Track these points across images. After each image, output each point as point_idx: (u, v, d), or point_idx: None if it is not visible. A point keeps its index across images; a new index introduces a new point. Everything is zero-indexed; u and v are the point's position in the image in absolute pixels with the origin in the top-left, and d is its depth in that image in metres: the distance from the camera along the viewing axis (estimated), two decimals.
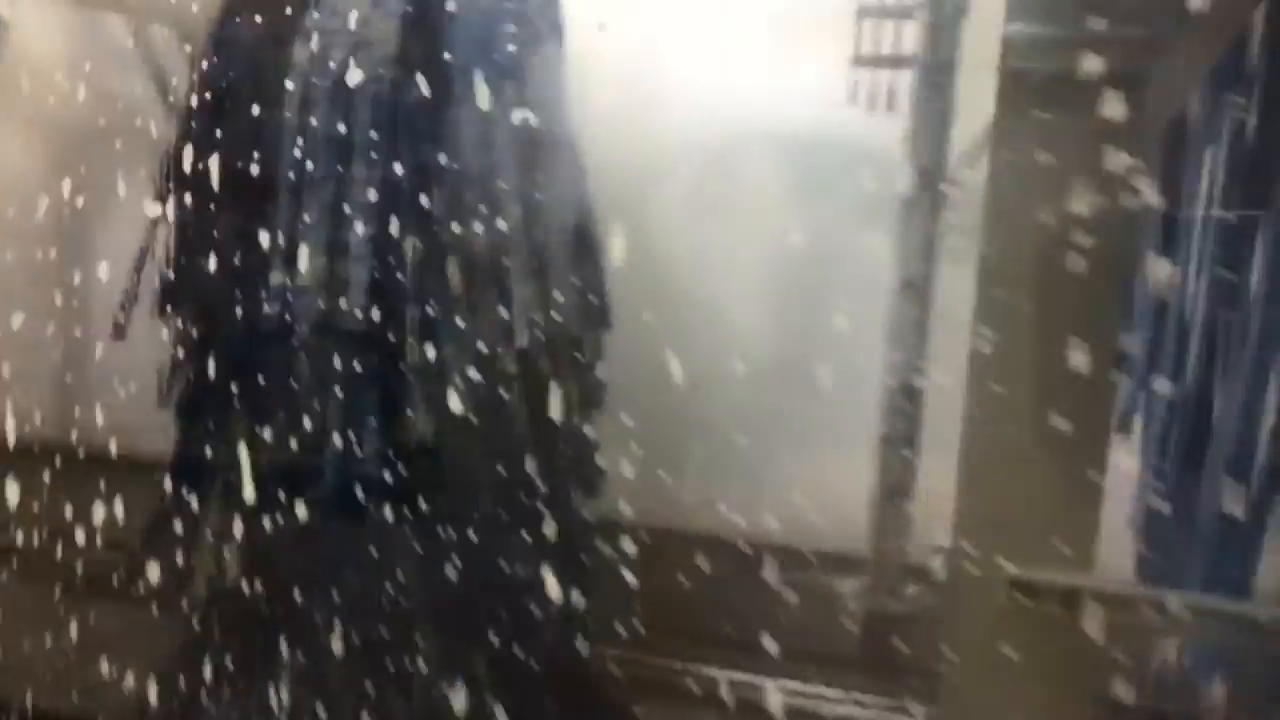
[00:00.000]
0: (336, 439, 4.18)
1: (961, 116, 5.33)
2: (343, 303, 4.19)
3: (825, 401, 5.54)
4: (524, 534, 4.39)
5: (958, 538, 2.59)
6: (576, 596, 4.48)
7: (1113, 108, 2.37)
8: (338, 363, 4.20)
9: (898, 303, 5.42)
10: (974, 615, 2.61)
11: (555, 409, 4.37)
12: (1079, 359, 2.49)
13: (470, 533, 4.29)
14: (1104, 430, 2.61)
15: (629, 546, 4.53)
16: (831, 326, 5.57)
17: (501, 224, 4.28)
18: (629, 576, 4.48)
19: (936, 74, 5.39)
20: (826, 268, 5.91)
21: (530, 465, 4.39)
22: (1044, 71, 2.44)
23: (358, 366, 4.20)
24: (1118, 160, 2.40)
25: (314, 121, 4.24)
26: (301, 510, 4.17)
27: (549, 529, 4.40)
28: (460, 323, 4.23)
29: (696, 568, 5.17)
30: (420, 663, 4.33)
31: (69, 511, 4.69)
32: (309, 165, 4.24)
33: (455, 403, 4.17)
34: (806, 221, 6.00)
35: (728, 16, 5.92)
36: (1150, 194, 2.46)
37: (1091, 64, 2.39)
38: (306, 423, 4.21)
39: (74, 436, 5.73)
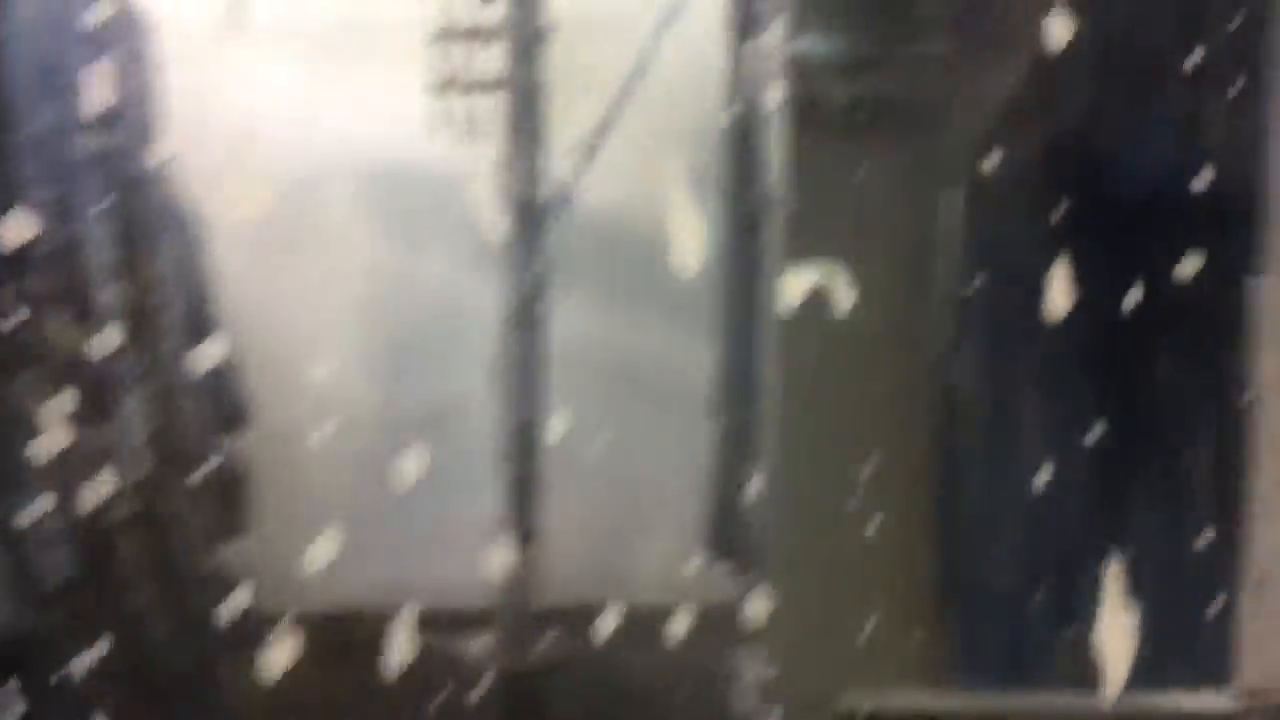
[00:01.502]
0: None
1: (556, 142, 5.15)
2: None
3: (438, 449, 5.19)
4: None
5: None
6: None
7: (909, 132, 2.20)
8: None
9: (507, 340, 5.16)
10: None
11: None
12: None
13: None
14: None
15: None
16: (436, 370, 5.25)
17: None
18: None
19: (526, 98, 5.18)
20: (425, 307, 5.57)
21: None
22: (833, 94, 2.24)
23: None
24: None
25: None
26: None
27: None
28: None
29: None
30: None
31: None
32: None
33: None
34: (397, 259, 5.64)
35: (291, 40, 5.47)
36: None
37: (884, 86, 2.21)
38: None
39: None
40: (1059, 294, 3.22)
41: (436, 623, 5.06)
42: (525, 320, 5.16)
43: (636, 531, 5.27)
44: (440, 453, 5.14)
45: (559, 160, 5.17)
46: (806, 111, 2.36)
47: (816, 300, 3.13)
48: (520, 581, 5.08)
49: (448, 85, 5.31)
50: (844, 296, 2.68)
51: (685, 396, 5.01)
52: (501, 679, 5.06)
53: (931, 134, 2.34)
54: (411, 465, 5.27)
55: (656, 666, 4.69)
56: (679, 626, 4.46)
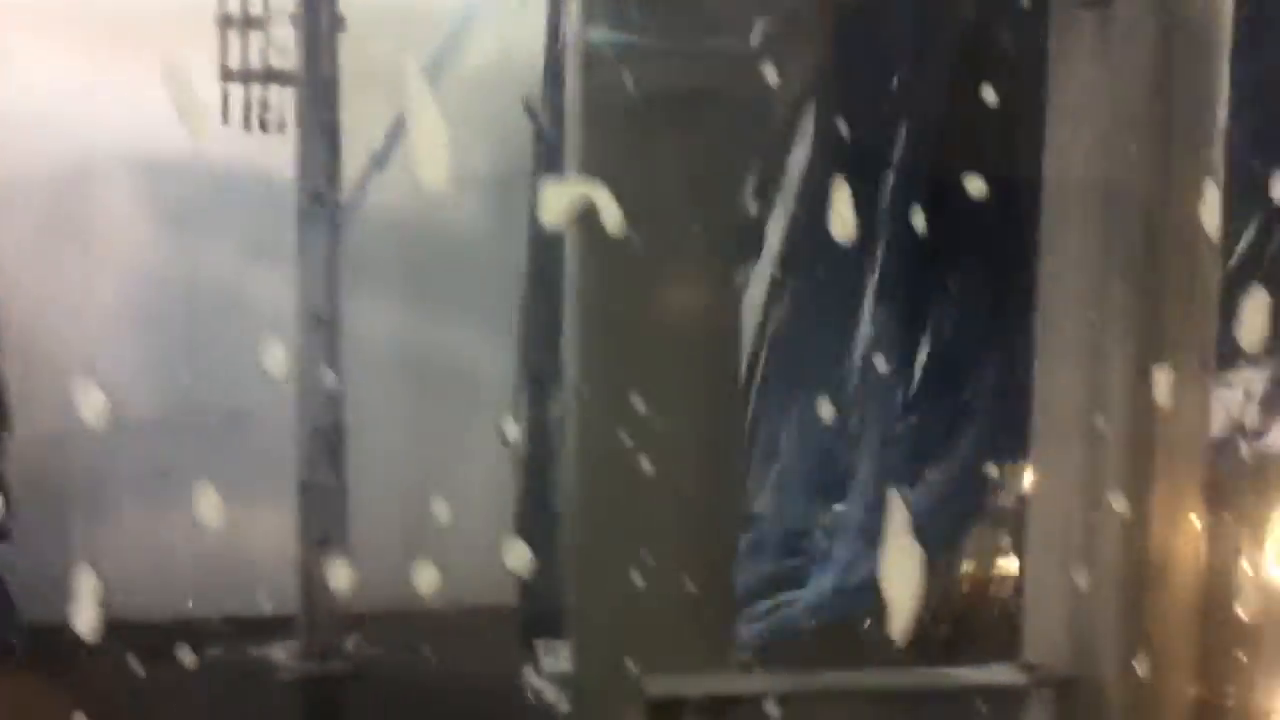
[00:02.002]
0: None
1: (352, 134, 5.01)
2: None
3: (235, 450, 5.00)
4: None
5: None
6: None
7: (712, 123, 2.18)
8: None
9: (304, 336, 5.00)
10: None
11: None
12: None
13: None
14: None
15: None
16: (227, 365, 5.02)
17: None
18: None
19: (318, 90, 5.04)
20: (215, 300, 5.34)
21: None
22: (633, 85, 2.21)
23: None
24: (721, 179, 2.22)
25: None
26: None
27: None
28: None
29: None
30: None
31: None
32: None
33: None
34: (183, 251, 5.41)
35: (72, 28, 5.18)
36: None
37: (687, 78, 2.19)
38: None
39: None
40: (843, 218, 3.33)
41: (234, 629, 4.87)
42: (319, 320, 5.01)
43: (441, 533, 5.17)
44: (230, 457, 4.93)
45: (355, 155, 5.04)
46: (599, 101, 2.33)
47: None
48: (322, 586, 4.93)
49: (236, 75, 5.10)
50: (611, 214, 2.62)
51: (490, 395, 4.93)
52: (303, 684, 4.91)
53: (728, 125, 2.36)
54: (200, 470, 5.02)
55: (461, 666, 4.63)
56: (484, 624, 4.42)
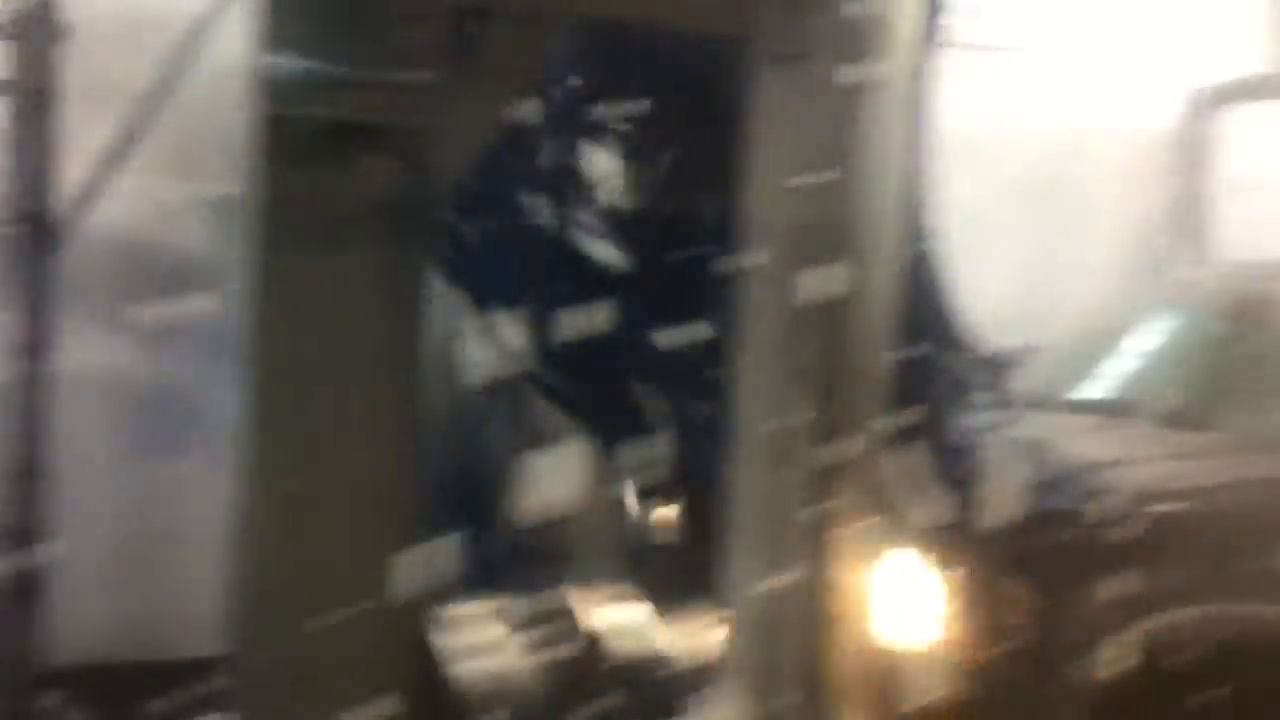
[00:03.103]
0: None
1: (70, 151, 4.69)
2: None
3: None
4: None
5: None
6: None
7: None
8: None
9: (9, 365, 4.64)
10: None
11: None
12: None
13: None
14: None
15: None
16: None
17: None
18: None
19: (34, 101, 4.70)
20: None
21: None
22: (306, 117, 2.02)
23: None
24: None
25: None
26: None
27: None
28: None
29: None
30: None
31: None
32: None
33: None
34: None
35: None
36: None
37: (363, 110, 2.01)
38: None
39: None
40: None
41: None
42: (30, 344, 4.67)
43: (157, 581, 4.85)
44: None
45: (72, 172, 4.71)
46: (278, 129, 2.16)
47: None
48: (20, 639, 4.56)
49: None
50: None
51: (212, 430, 4.64)
52: None
53: (413, 156, 2.22)
54: None
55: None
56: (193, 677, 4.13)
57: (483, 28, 2.48)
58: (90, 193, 4.65)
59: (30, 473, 4.61)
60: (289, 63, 2.17)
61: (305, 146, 2.15)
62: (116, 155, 4.62)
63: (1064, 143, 6.61)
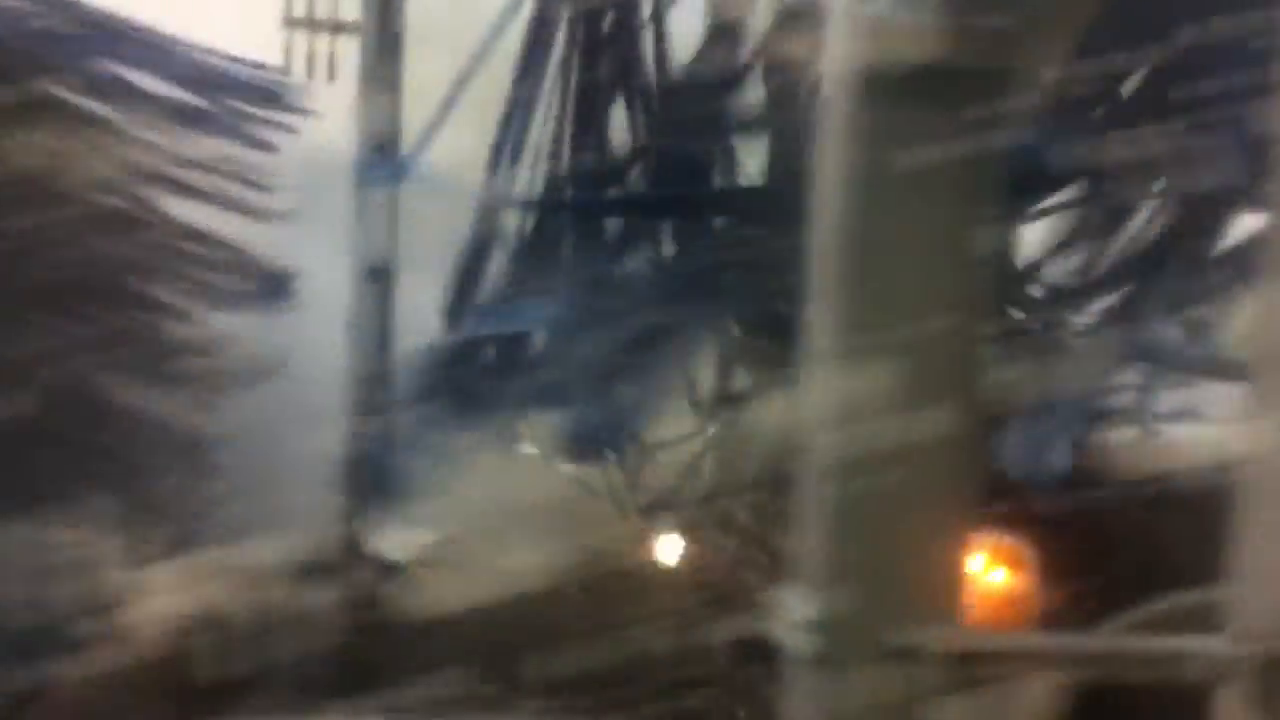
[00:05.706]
0: None
1: (413, 90, 5.00)
2: None
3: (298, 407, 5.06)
4: None
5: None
6: None
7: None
8: None
9: (361, 290, 5.05)
10: None
11: None
12: None
13: None
14: None
15: None
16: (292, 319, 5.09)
17: None
18: None
19: (382, 43, 5.03)
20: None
21: None
22: (901, 61, 2.10)
23: None
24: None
25: None
26: None
27: None
28: None
29: None
30: None
31: None
32: None
33: None
34: None
35: None
36: None
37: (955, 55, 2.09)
38: None
39: None
40: None
41: None
42: (379, 271, 5.04)
43: None
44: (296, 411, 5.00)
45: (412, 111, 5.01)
46: (867, 74, 2.26)
47: None
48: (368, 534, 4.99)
49: (300, 22, 5.10)
50: None
51: None
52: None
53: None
54: None
55: None
56: None
57: None
58: (429, 132, 4.95)
59: (383, 382, 5.04)
60: (881, 6, 2.20)
61: (894, 90, 2.17)
62: (452, 98, 4.88)
63: None
